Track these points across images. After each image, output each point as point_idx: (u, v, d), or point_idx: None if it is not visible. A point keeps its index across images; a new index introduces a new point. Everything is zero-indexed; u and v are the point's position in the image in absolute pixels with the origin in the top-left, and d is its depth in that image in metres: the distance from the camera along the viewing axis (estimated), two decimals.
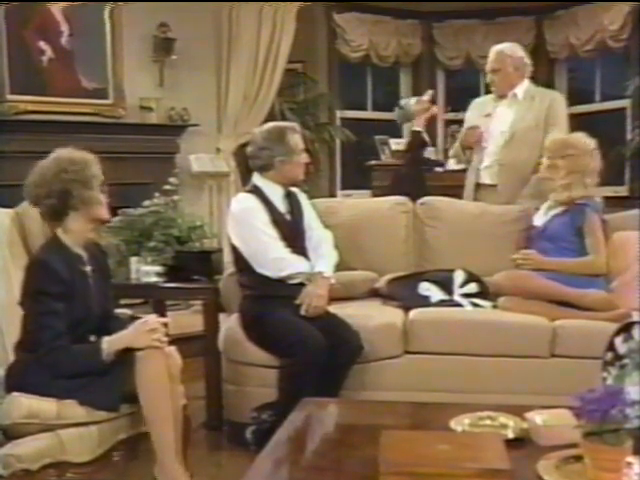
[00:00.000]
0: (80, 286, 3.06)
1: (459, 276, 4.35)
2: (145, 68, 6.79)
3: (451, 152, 5.32)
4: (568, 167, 4.32)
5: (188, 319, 5.33)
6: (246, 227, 3.93)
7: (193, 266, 4.44)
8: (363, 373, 3.95)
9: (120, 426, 2.99)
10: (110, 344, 2.96)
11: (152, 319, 3.11)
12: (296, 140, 4.03)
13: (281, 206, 4.04)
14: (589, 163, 4.33)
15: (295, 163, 4.02)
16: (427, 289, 4.31)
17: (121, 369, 2.94)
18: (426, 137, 5.60)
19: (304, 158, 4.08)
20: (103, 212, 3.16)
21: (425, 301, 4.25)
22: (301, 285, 3.93)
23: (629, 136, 7.71)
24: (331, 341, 3.73)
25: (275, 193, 4.03)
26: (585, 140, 4.39)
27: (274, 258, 3.89)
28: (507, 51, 5.01)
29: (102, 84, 6.50)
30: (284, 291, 3.89)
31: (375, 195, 7.18)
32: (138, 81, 6.70)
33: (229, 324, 4.10)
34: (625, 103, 7.93)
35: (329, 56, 8.44)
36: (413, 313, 4.10)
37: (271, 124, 4.17)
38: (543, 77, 8.66)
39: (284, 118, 7.50)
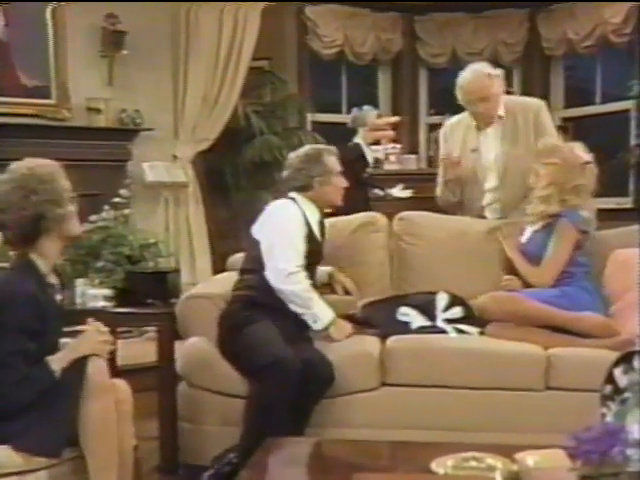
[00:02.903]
0: (53, 320, 3.06)
1: (442, 299, 4.36)
2: (92, 64, 6.79)
3: (438, 192, 5.13)
4: (548, 177, 4.38)
5: (141, 348, 5.33)
6: (280, 233, 4.09)
7: (146, 288, 4.43)
8: (334, 408, 3.95)
9: (63, 473, 2.97)
10: (58, 363, 2.96)
11: (90, 325, 3.12)
12: (333, 162, 4.31)
13: (315, 228, 4.25)
14: (574, 179, 4.38)
15: (334, 185, 4.28)
16: (406, 314, 4.32)
17: (64, 407, 2.92)
18: (367, 154, 5.69)
19: (342, 181, 4.32)
20: (76, 227, 3.17)
21: (404, 327, 4.26)
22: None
23: (633, 142, 7.75)
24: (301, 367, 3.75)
25: (312, 214, 4.25)
26: (576, 152, 4.44)
27: (284, 269, 4.01)
28: (489, 72, 4.90)
29: (44, 81, 6.48)
30: (279, 303, 4.01)
31: None
32: (84, 79, 6.70)
33: (194, 341, 4.11)
34: (629, 105, 7.96)
35: (299, 53, 8.46)
36: (391, 341, 4.12)
37: (307, 146, 4.50)
38: (538, 76, 8.76)
39: (248, 122, 7.54)
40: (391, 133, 5.86)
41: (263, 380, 3.70)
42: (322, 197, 4.27)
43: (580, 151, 4.47)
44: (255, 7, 7.45)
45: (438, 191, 5.12)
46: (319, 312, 4.08)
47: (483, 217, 4.97)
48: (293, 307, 4.05)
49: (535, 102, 5.12)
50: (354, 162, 5.66)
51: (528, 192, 4.60)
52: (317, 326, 4.09)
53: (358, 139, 5.88)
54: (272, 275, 4.03)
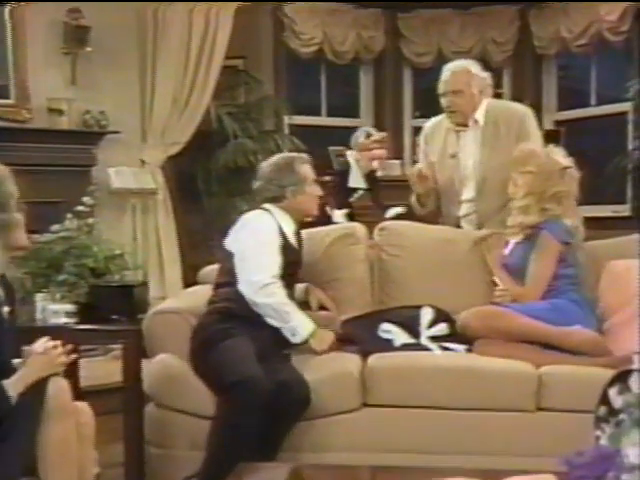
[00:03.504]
0: (1, 338, 3.04)
1: (426, 314, 4.37)
2: (54, 62, 6.76)
3: (412, 200, 5.19)
4: (526, 187, 4.42)
5: (105, 367, 5.31)
6: (253, 244, 4.12)
7: (111, 303, 4.41)
8: (311, 430, 3.95)
9: None
10: (14, 386, 2.95)
11: (41, 342, 3.11)
12: (306, 170, 4.36)
13: (291, 239, 4.30)
14: (552, 186, 4.40)
15: (308, 194, 4.33)
16: (388, 331, 4.32)
17: (21, 437, 2.91)
18: (352, 178, 5.75)
19: (317, 190, 4.39)
20: (22, 238, 3.15)
21: (386, 345, 4.26)
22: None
23: (631, 146, 7.83)
24: (273, 389, 3.75)
25: (288, 225, 4.29)
26: (553, 157, 4.47)
27: (258, 281, 4.04)
28: (471, 69, 4.99)
29: (1, 80, 6.46)
30: (256, 315, 4.04)
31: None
32: (45, 77, 6.67)
33: (163, 359, 4.10)
34: (626, 107, 8.04)
35: (275, 51, 8.51)
36: (372, 359, 4.12)
37: (277, 155, 4.59)
38: (529, 77, 8.81)
39: (221, 125, 7.53)
40: (381, 152, 5.92)
41: (229, 400, 3.71)
42: (296, 207, 4.31)
43: (558, 156, 4.49)
44: (228, 7, 7.46)
45: (412, 199, 5.17)
46: (297, 325, 4.09)
47: (459, 228, 5.01)
48: (270, 321, 4.07)
49: (520, 108, 5.15)
50: (340, 181, 5.75)
51: (507, 202, 4.64)
52: (296, 339, 4.10)
53: (350, 158, 5.97)
54: (245, 288, 4.06)
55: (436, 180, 4.99)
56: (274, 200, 4.29)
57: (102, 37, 6.80)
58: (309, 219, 4.48)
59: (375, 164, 7.34)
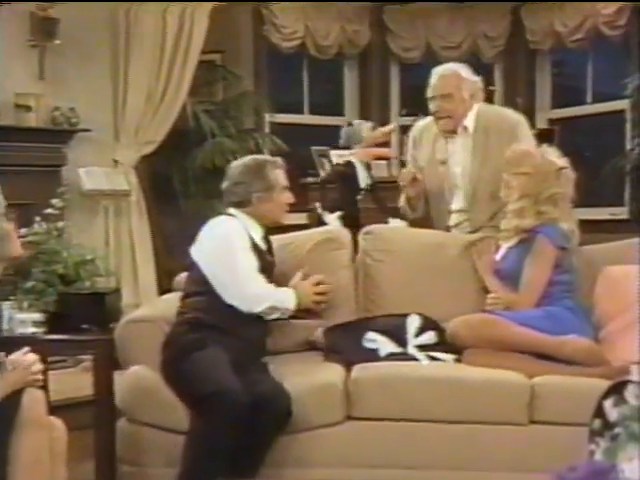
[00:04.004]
0: None
1: (414, 323, 4.37)
2: (20, 55, 6.72)
3: (401, 202, 5.21)
4: (520, 188, 4.42)
5: (75, 380, 5.29)
6: (225, 253, 4.15)
7: (82, 312, 4.42)
8: (293, 445, 3.95)
9: None
10: None
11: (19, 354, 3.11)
12: (277, 175, 4.34)
13: (260, 244, 4.32)
14: (548, 187, 4.41)
15: (276, 202, 4.32)
16: (374, 340, 4.32)
17: None
18: (360, 177, 5.74)
19: (287, 197, 4.38)
20: (16, 247, 3.15)
21: (371, 355, 4.26)
22: (257, 322, 4.15)
23: (629, 145, 7.86)
24: (251, 400, 3.75)
25: (254, 230, 4.30)
26: (549, 157, 4.49)
27: (254, 294, 4.12)
28: (461, 72, 5.00)
29: None
30: (230, 325, 4.04)
31: (311, 220, 7.24)
32: (11, 71, 6.62)
33: (136, 371, 4.09)
34: (623, 104, 8.09)
35: (255, 45, 8.52)
36: (357, 369, 4.12)
37: (249, 157, 4.56)
38: (522, 73, 8.84)
39: (198, 123, 7.53)
40: (391, 152, 5.91)
41: (203, 413, 3.71)
42: (262, 215, 4.31)
43: (553, 156, 4.51)
44: (203, 6, 7.45)
45: (401, 201, 5.19)
46: (286, 305, 4.21)
47: None
48: (267, 317, 4.17)
49: (513, 115, 5.13)
50: (346, 184, 5.74)
51: (499, 209, 4.67)
52: (286, 314, 4.25)
53: (352, 158, 5.95)
54: (241, 303, 4.10)
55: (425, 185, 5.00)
56: (239, 205, 4.29)
57: (72, 29, 6.78)
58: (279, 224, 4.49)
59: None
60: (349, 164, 6.30)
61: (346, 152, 7.57)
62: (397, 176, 5.32)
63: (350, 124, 6.76)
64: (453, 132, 4.98)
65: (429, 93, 4.99)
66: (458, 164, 4.97)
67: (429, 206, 5.09)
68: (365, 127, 6.74)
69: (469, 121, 4.95)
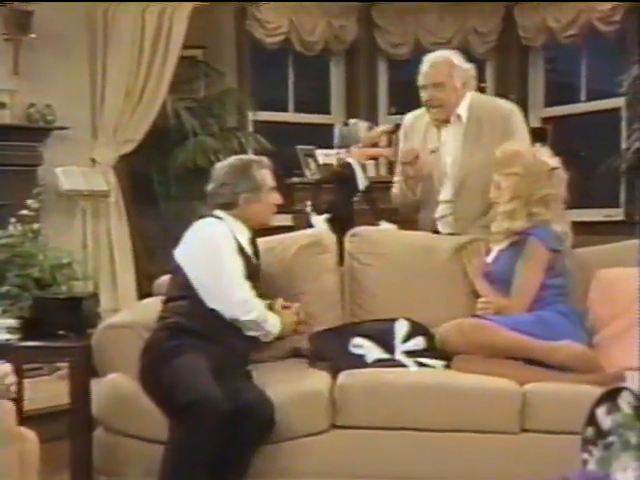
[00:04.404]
0: None
1: (402, 328, 4.38)
2: None
3: (394, 191, 5.25)
4: (511, 190, 4.43)
5: (51, 388, 5.28)
6: (210, 256, 4.17)
7: (58, 318, 4.40)
8: (277, 455, 3.94)
9: None
10: None
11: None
12: (263, 175, 4.36)
13: (247, 247, 4.32)
14: (540, 188, 4.43)
15: (264, 203, 4.34)
16: (360, 345, 4.33)
17: None
18: (358, 178, 5.74)
19: (275, 198, 4.40)
20: None
21: (358, 361, 4.26)
22: (241, 329, 4.13)
23: (624, 145, 7.86)
24: (233, 409, 3.74)
25: (241, 233, 4.31)
26: (540, 157, 4.50)
27: (240, 301, 4.12)
28: (453, 59, 5.01)
29: None
30: (212, 332, 4.04)
31: (297, 222, 7.24)
32: None
33: (113, 378, 4.07)
34: (619, 102, 8.11)
35: (238, 41, 8.51)
36: (343, 376, 4.12)
37: (234, 157, 4.56)
38: (514, 70, 8.85)
39: (179, 121, 7.52)
40: (388, 151, 5.92)
41: (183, 422, 3.70)
42: (250, 216, 4.32)
43: (545, 156, 4.52)
44: (183, 6, 7.45)
45: (394, 190, 5.22)
46: (271, 328, 4.21)
47: (436, 231, 5.05)
48: (247, 331, 4.15)
49: (506, 105, 5.15)
50: (343, 186, 5.75)
51: (488, 207, 4.67)
52: (268, 339, 4.26)
53: (350, 158, 5.96)
54: (227, 309, 4.10)
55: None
56: (225, 207, 4.31)
57: (48, 23, 6.76)
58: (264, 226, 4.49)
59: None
60: (347, 165, 6.29)
61: (333, 151, 7.59)
62: (391, 175, 5.31)
63: (346, 124, 6.78)
64: (446, 121, 5.00)
65: (420, 81, 5.00)
66: (449, 153, 5.00)
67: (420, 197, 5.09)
68: (362, 127, 6.77)
69: (462, 110, 4.98)
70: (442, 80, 4.93)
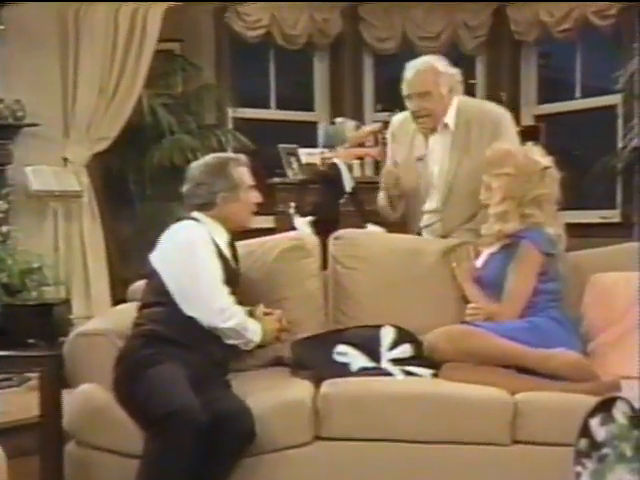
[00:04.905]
0: None
1: (388, 335, 4.38)
2: None
3: (379, 201, 5.28)
4: (502, 190, 4.44)
5: (20, 400, 5.25)
6: (188, 261, 4.15)
7: (28, 325, 4.40)
8: (258, 467, 3.93)
9: None
10: None
11: None
12: (241, 173, 4.37)
13: (226, 251, 4.32)
14: (533, 189, 4.44)
15: (242, 202, 4.34)
16: (345, 353, 4.32)
17: None
18: (345, 180, 5.76)
19: (254, 196, 4.40)
20: None
21: (342, 369, 4.26)
22: (220, 337, 4.12)
23: (620, 143, 7.90)
24: (211, 420, 3.74)
25: (219, 235, 4.31)
26: (532, 156, 4.51)
27: (219, 308, 4.11)
28: (438, 65, 5.00)
29: None
30: (190, 340, 4.03)
31: (279, 223, 7.25)
32: None
33: (86, 389, 4.04)
34: (615, 100, 8.16)
35: (217, 34, 8.52)
36: (326, 385, 4.11)
37: (210, 155, 4.55)
38: (505, 66, 8.87)
39: (155, 117, 7.50)
40: (375, 151, 5.93)
41: (159, 434, 3.68)
42: (228, 217, 4.32)
43: (537, 155, 4.53)
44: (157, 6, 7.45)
45: (379, 199, 5.24)
46: (252, 336, 4.20)
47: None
48: (227, 340, 4.14)
49: (495, 110, 5.16)
50: (329, 187, 5.75)
51: (475, 212, 4.70)
52: (248, 347, 4.24)
53: (336, 159, 5.97)
54: (205, 316, 4.09)
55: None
56: (203, 207, 4.31)
57: (16, 13, 6.71)
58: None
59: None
60: (334, 166, 6.31)
61: (316, 151, 7.59)
62: (377, 176, 5.33)
63: (332, 123, 6.78)
64: (434, 130, 5.01)
65: (405, 90, 5.00)
66: (436, 162, 5.01)
67: (406, 207, 5.12)
68: (349, 126, 6.77)
69: (450, 117, 4.99)
70: (428, 89, 4.93)
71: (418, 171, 5.02)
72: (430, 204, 5.01)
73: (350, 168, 6.58)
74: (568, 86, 8.83)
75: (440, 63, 5.02)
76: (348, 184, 6.36)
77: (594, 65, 8.64)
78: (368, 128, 6.73)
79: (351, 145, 6.61)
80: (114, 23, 7.29)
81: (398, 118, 5.28)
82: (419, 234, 5.07)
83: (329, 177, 6.42)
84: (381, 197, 5.24)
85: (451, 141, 4.97)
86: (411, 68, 5.00)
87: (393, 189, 5.05)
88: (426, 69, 4.97)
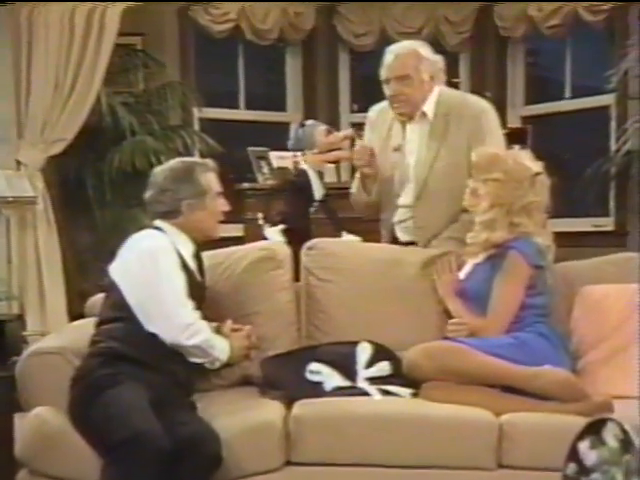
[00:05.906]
0: None
1: (364, 351, 4.39)
2: None
3: (352, 189, 5.36)
4: (490, 197, 4.46)
5: None
6: (149, 273, 4.15)
7: None
8: None
9: None
10: None
11: None
12: (208, 180, 4.38)
13: (190, 263, 4.32)
14: (522, 196, 4.45)
15: (209, 210, 4.35)
16: (318, 372, 4.33)
17: None
18: (314, 187, 5.79)
19: (221, 204, 4.42)
20: None
21: (316, 389, 4.26)
22: (183, 355, 4.14)
23: (614, 146, 7.92)
24: (175, 444, 3.73)
25: (184, 246, 4.31)
26: (522, 161, 4.53)
27: (183, 324, 4.11)
28: (420, 50, 5.05)
29: None
30: (152, 359, 4.03)
31: (248, 232, 7.25)
32: None
33: (39, 413, 4.02)
34: (608, 100, 8.19)
35: (180, 28, 8.51)
36: (298, 406, 4.12)
37: (175, 160, 4.55)
38: (491, 64, 8.89)
39: (115, 117, 7.49)
40: (347, 154, 5.95)
41: (117, 461, 3.68)
42: (194, 225, 4.32)
43: (527, 160, 4.55)
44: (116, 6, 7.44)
45: (352, 188, 5.31)
46: (218, 354, 4.22)
47: (394, 237, 5.13)
48: (192, 358, 4.15)
49: (477, 103, 5.18)
50: (298, 194, 5.77)
51: (453, 218, 4.72)
52: (215, 366, 4.26)
53: (305, 165, 6.00)
54: (167, 332, 4.09)
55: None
56: (167, 216, 4.31)
57: None
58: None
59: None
60: (302, 173, 6.33)
61: (289, 154, 7.59)
62: (351, 180, 5.35)
63: (302, 125, 6.77)
64: (410, 117, 5.05)
65: (383, 75, 5.04)
66: (412, 153, 5.05)
67: (380, 199, 5.17)
68: (319, 130, 6.76)
69: (428, 106, 5.03)
70: (408, 72, 4.97)
71: (394, 162, 5.05)
72: (405, 198, 5.05)
73: (321, 175, 6.59)
74: (557, 85, 8.87)
75: (423, 49, 5.08)
76: (318, 192, 6.38)
77: (585, 63, 8.68)
78: (342, 133, 6.74)
79: (320, 150, 6.62)
80: (70, 20, 7.25)
81: (376, 108, 5.32)
82: (392, 233, 5.10)
83: (297, 185, 6.43)
84: (354, 181, 5.30)
85: (428, 131, 5.01)
86: (391, 52, 5.06)
87: (367, 168, 5.07)
88: (408, 52, 5.02)
